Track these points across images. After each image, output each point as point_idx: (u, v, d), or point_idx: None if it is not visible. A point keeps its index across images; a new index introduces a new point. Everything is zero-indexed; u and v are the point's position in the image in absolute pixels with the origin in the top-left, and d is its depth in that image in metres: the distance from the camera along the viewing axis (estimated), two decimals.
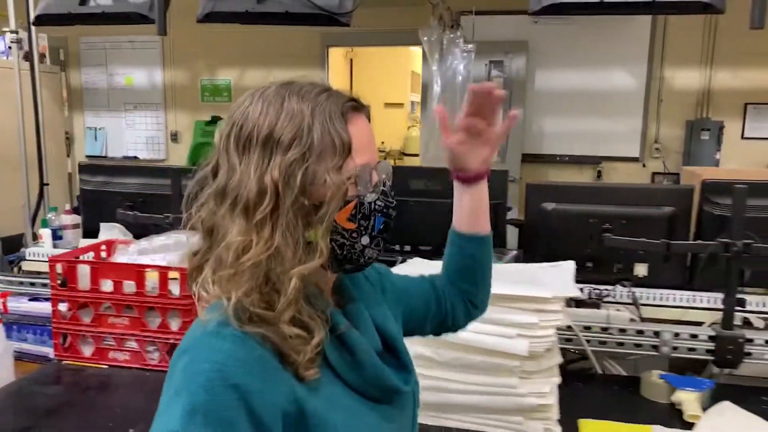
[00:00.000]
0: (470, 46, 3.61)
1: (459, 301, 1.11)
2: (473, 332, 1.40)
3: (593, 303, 1.86)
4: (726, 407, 1.57)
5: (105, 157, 6.38)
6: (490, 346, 1.44)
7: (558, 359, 1.49)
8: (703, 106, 5.17)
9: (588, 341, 1.83)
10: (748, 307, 1.89)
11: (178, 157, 6.15)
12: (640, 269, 1.95)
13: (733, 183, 1.81)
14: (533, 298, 1.44)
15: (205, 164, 0.82)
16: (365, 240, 0.82)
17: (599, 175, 5.39)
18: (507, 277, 1.50)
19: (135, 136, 6.33)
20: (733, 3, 4.99)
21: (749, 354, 1.79)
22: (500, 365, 1.46)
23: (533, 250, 2.04)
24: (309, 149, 0.76)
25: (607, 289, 1.91)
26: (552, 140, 5.45)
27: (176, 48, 6.07)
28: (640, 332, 1.81)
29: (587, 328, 1.84)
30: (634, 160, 5.34)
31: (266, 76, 5.99)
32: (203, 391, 0.69)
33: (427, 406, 1.51)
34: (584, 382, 1.78)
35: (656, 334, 1.80)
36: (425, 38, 3.45)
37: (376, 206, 0.82)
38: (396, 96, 8.17)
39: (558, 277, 1.58)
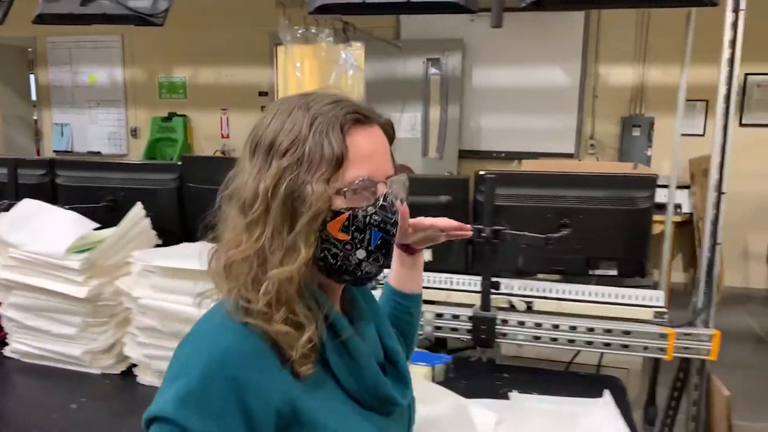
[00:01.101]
0: (358, 44, 3.69)
1: None
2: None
3: (372, 288, 1.95)
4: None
5: (71, 152, 6.65)
6: (175, 313, 1.59)
7: None
8: (637, 103, 5.18)
9: None
10: (511, 291, 1.96)
11: (138, 152, 6.36)
12: (426, 255, 2.04)
13: (502, 174, 1.90)
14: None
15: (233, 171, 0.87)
16: (361, 254, 0.82)
17: None
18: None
19: (98, 131, 6.57)
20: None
21: (504, 334, 1.87)
22: None
23: None
24: (300, 158, 0.78)
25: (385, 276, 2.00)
26: (489, 136, 5.52)
27: (135, 47, 6.29)
28: None
29: None
30: (570, 155, 5.37)
31: (219, 73, 6.19)
32: (199, 380, 0.73)
33: (158, 374, 1.63)
34: None
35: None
36: (285, 37, 3.44)
37: (372, 220, 0.81)
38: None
39: None
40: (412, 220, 1.05)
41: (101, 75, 6.44)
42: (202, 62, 6.14)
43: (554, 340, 1.84)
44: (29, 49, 6.61)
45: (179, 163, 2.31)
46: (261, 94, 5.97)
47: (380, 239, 0.83)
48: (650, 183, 1.97)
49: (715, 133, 1.91)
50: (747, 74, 4.92)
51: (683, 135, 5.15)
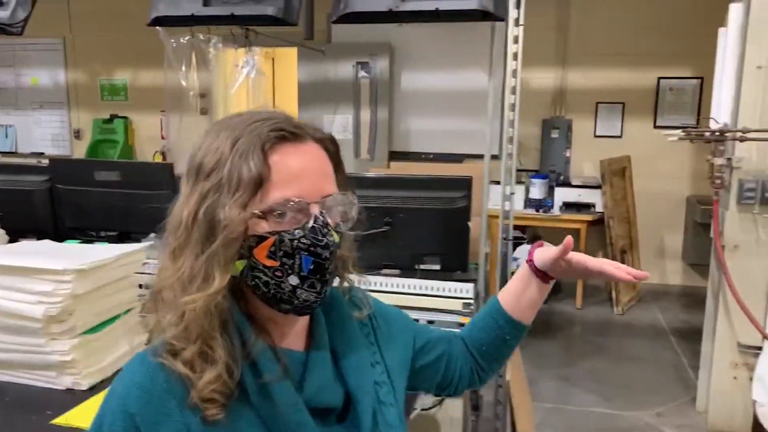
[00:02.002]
0: (257, 49, 3.82)
1: (467, 372, 1.08)
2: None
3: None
4: None
5: (15, 153, 6.71)
6: (12, 311, 1.68)
7: (75, 322, 1.73)
8: (558, 105, 5.35)
9: None
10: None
11: (81, 153, 6.44)
12: None
13: None
14: (49, 270, 1.67)
15: None
16: (293, 280, 0.77)
17: None
18: (32, 249, 1.73)
19: (42, 133, 6.64)
20: (583, 4, 5.18)
21: None
22: (26, 327, 1.69)
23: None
24: (220, 182, 0.75)
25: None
26: (419, 138, 5.66)
27: (77, 50, 6.37)
28: None
29: None
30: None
31: (157, 76, 6.27)
32: (108, 413, 0.76)
33: None
34: None
35: None
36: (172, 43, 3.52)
37: (300, 244, 0.76)
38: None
39: (91, 253, 1.81)
40: (576, 258, 0.98)
41: (44, 77, 6.51)
42: (142, 64, 6.22)
43: None
44: None
45: (46, 165, 2.43)
46: (203, 96, 6.06)
47: (312, 264, 0.77)
48: (465, 184, 2.11)
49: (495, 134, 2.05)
50: (660, 78, 5.10)
51: (601, 137, 5.37)
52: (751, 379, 2.87)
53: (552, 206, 4.94)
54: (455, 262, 2.11)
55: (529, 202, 4.98)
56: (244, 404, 0.76)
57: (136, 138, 6.41)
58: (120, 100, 6.36)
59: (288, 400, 0.78)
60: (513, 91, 2.11)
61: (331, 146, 0.84)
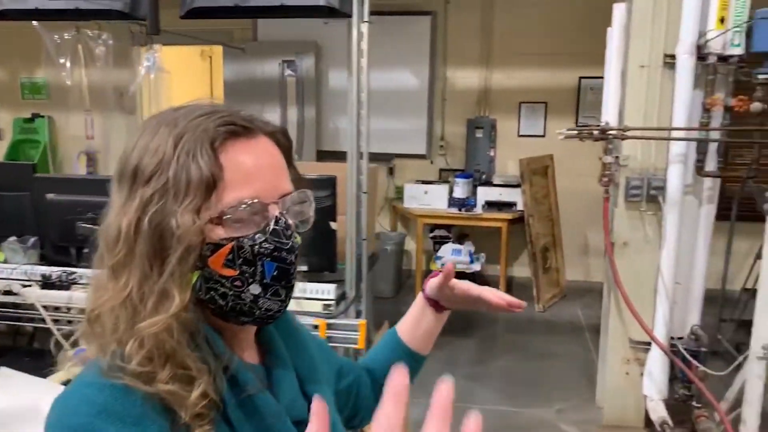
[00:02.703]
0: (158, 46, 3.74)
1: (372, 402, 1.01)
2: None
3: (62, 285, 2.01)
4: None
5: None
6: None
7: None
8: (483, 105, 5.37)
9: (55, 320, 1.97)
10: None
11: (1, 155, 6.20)
12: None
13: None
14: None
15: None
16: (255, 289, 0.70)
17: (391, 171, 5.58)
18: None
19: None
20: (506, 5, 5.22)
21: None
22: None
23: (44, 236, 2.19)
24: (165, 185, 0.66)
25: (74, 272, 2.05)
26: (347, 137, 5.61)
27: None
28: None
29: (56, 309, 1.98)
30: (422, 157, 5.53)
31: (81, 74, 6.08)
32: None
33: None
34: None
35: None
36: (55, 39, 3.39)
37: (263, 249, 0.69)
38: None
39: None
40: (459, 285, 0.94)
41: None
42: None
43: None
44: None
45: None
46: (122, 95, 5.91)
47: (276, 270, 0.70)
48: (330, 184, 2.08)
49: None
50: (581, 77, 5.17)
51: (524, 136, 5.42)
52: (642, 374, 2.92)
53: (475, 205, 4.97)
54: (323, 263, 2.08)
55: (452, 201, 5.00)
56: (220, 422, 0.69)
57: (59, 138, 6.21)
58: (41, 99, 6.15)
59: (273, 410, 0.73)
60: (362, 89, 2.06)
61: (283, 140, 0.76)
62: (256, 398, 0.72)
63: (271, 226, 0.70)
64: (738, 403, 2.54)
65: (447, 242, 5.17)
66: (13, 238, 2.22)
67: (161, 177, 0.67)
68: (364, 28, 2.03)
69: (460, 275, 4.74)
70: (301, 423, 0.76)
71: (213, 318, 0.72)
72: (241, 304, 0.70)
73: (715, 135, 2.69)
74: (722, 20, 2.58)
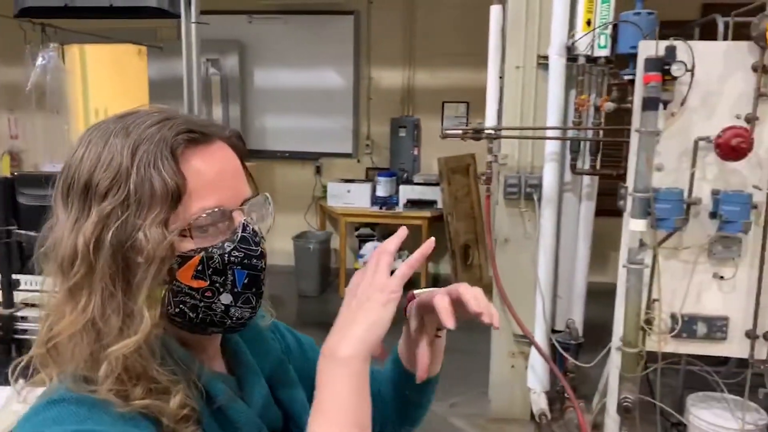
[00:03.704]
0: (55, 44, 3.69)
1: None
2: None
3: None
4: None
5: None
6: None
7: None
8: (407, 105, 5.42)
9: None
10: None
11: None
12: None
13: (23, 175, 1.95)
14: None
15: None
16: (226, 298, 0.68)
17: (318, 170, 5.60)
18: None
19: None
20: (427, 4, 5.27)
21: (25, 330, 1.94)
22: None
23: None
24: (126, 199, 0.63)
25: None
26: (274, 137, 5.62)
27: None
28: None
29: None
30: (349, 156, 5.56)
31: (7, 72, 5.97)
32: None
33: None
34: None
35: None
36: None
37: (233, 258, 0.67)
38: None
39: None
40: (430, 300, 0.74)
41: None
42: None
43: None
44: None
45: None
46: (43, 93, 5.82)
47: (247, 277, 0.69)
48: None
49: None
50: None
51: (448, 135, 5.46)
52: (527, 368, 2.99)
53: (397, 203, 5.02)
54: None
55: (375, 200, 5.04)
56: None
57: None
58: None
59: (247, 419, 0.72)
60: (192, 81, 2.06)
61: (238, 143, 0.74)
62: (229, 408, 0.71)
63: (239, 234, 0.68)
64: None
65: (372, 240, 5.21)
66: None
67: (120, 191, 0.63)
68: (193, 28, 2.03)
69: None
70: (275, 430, 0.76)
71: (177, 331, 0.70)
72: (212, 315, 0.68)
73: (588, 135, 2.77)
74: (588, 22, 2.66)
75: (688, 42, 2.22)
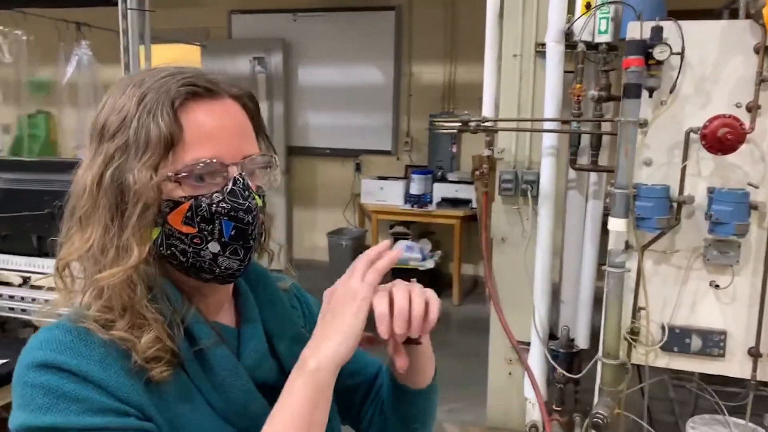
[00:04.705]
0: (83, 42, 3.88)
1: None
2: None
3: None
4: None
5: None
6: None
7: None
8: (447, 101, 5.29)
9: None
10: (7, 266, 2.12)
11: (9, 148, 6.62)
12: None
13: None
14: None
15: None
16: (214, 247, 0.72)
17: (358, 167, 5.57)
18: None
19: None
20: (469, 1, 5.11)
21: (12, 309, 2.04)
22: None
23: None
24: (126, 143, 0.70)
25: None
26: (316, 133, 5.67)
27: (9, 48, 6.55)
28: None
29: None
30: (388, 153, 5.50)
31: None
32: (31, 374, 0.67)
33: None
34: None
35: None
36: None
37: (220, 209, 0.71)
38: None
39: None
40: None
41: None
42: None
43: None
44: None
45: None
46: None
47: (233, 229, 0.73)
48: None
49: None
50: None
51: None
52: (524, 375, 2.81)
53: (431, 201, 4.91)
54: None
55: (408, 197, 4.96)
56: (180, 372, 0.72)
57: (60, 133, 6.55)
58: (44, 96, 6.51)
59: (227, 365, 0.75)
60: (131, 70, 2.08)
61: (249, 103, 0.78)
62: (210, 352, 0.74)
63: (230, 186, 0.72)
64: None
65: (407, 238, 5.13)
66: None
67: (123, 134, 0.70)
68: (132, 15, 2.05)
69: (413, 272, 4.70)
70: (267, 386, 0.77)
71: (177, 275, 0.75)
72: (201, 261, 0.73)
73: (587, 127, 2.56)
74: (588, 5, 2.46)
75: (679, 22, 1.99)
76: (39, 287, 2.06)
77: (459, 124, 2.64)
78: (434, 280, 4.80)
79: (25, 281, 2.09)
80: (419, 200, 4.90)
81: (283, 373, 0.78)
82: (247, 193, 0.72)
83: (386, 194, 4.99)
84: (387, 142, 5.47)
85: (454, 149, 5.17)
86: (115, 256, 0.70)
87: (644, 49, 1.96)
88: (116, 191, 0.70)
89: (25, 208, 2.06)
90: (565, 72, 2.56)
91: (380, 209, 4.99)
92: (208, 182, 0.71)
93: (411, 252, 4.86)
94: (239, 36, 5.70)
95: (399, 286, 0.74)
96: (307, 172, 5.73)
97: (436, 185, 4.90)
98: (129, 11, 2.05)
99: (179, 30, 5.74)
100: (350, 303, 0.71)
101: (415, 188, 4.94)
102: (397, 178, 5.14)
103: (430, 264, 4.88)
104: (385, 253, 0.76)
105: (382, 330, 0.71)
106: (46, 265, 2.06)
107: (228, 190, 0.72)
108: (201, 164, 0.70)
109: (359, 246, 5.22)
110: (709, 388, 2.25)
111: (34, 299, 2.02)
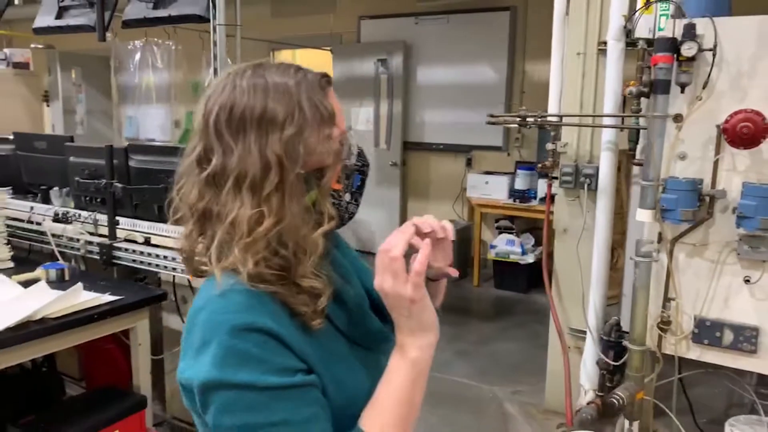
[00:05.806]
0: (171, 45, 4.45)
1: None
2: None
3: (64, 220, 2.82)
4: None
5: (137, 139, 8.26)
6: None
7: None
8: None
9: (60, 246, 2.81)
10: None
11: (178, 139, 7.76)
12: None
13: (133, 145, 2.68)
14: None
15: (189, 151, 0.84)
16: (347, 197, 0.87)
17: (469, 162, 5.78)
18: None
19: (152, 123, 8.10)
20: None
21: (120, 258, 2.63)
22: None
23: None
24: (304, 122, 0.81)
25: (70, 212, 2.84)
26: (431, 130, 5.96)
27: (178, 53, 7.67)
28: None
29: (70, 239, 2.82)
30: (499, 149, 5.64)
31: None
32: (230, 337, 0.75)
33: None
34: None
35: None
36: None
37: (354, 166, 0.88)
38: None
39: None
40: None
41: (156, 77, 7.95)
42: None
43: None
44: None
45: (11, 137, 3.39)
46: None
47: (360, 181, 0.97)
48: None
49: None
50: None
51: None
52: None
53: (534, 197, 4.99)
54: None
55: (512, 192, 5.08)
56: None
57: None
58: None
59: (355, 298, 0.89)
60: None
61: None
62: (341, 291, 0.87)
63: (355, 149, 0.92)
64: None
65: (511, 233, 5.25)
66: (56, 188, 3.14)
67: (297, 117, 0.81)
68: (220, 30, 2.47)
69: (514, 265, 4.82)
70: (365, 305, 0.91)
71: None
72: (340, 210, 0.87)
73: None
74: (648, 3, 2.51)
75: (714, 18, 2.02)
76: (158, 245, 2.62)
77: (518, 119, 2.80)
78: (534, 273, 4.89)
79: (147, 241, 2.66)
80: (523, 195, 5.01)
81: (371, 300, 0.92)
82: (360, 156, 0.94)
83: (491, 188, 5.16)
84: (498, 139, 5.62)
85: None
86: (308, 217, 0.81)
87: (674, 46, 2.02)
88: (301, 165, 0.80)
89: (151, 183, 2.62)
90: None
91: (483, 203, 5.18)
92: (343, 149, 0.87)
93: (511, 246, 5.00)
94: (366, 40, 6.17)
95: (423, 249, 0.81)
96: (421, 166, 6.06)
97: (541, 181, 4.96)
98: (218, 27, 2.52)
99: (315, 36, 6.37)
100: (419, 303, 0.80)
101: (520, 183, 5.06)
102: (503, 173, 5.28)
103: (530, 258, 4.97)
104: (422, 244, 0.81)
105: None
106: (165, 229, 2.61)
107: (356, 152, 0.91)
108: (344, 134, 0.87)
109: (465, 239, 5.45)
110: (749, 387, 2.23)
111: (157, 255, 2.57)
